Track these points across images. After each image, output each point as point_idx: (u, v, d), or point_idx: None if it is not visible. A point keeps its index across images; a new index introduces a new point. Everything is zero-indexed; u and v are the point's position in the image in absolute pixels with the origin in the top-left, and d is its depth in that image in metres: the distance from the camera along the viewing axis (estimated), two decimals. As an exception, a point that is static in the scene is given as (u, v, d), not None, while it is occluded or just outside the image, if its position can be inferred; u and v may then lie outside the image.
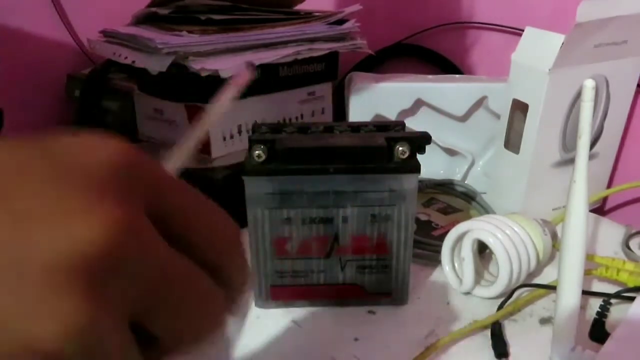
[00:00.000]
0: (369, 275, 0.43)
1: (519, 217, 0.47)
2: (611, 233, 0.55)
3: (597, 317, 0.43)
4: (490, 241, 0.43)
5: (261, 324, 0.43)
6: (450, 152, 0.65)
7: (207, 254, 0.18)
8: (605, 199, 0.66)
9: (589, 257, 0.47)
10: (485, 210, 0.58)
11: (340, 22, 0.64)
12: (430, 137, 0.40)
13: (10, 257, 0.14)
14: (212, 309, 0.19)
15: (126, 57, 0.59)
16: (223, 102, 0.30)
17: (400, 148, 0.39)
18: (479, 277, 0.46)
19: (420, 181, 0.60)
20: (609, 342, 0.38)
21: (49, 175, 0.15)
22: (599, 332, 0.41)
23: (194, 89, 0.58)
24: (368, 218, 0.41)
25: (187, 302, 0.18)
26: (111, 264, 0.15)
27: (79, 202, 0.15)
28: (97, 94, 0.64)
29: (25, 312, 0.14)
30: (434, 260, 0.49)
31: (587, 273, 0.46)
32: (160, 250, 0.17)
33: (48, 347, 0.14)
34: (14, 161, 0.15)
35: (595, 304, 0.44)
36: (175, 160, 0.27)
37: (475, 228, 0.44)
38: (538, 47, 0.50)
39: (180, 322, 0.18)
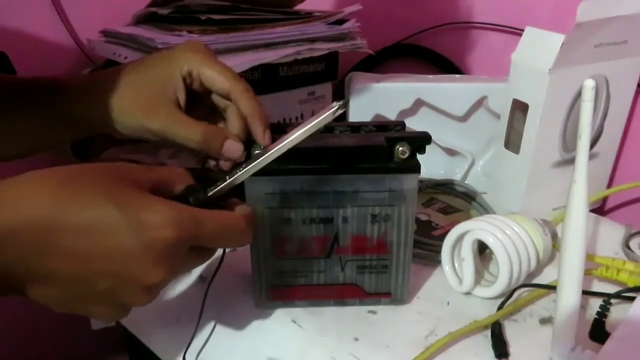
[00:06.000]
0: (369, 275, 0.43)
1: (519, 217, 0.47)
2: (611, 233, 0.55)
3: (597, 317, 0.43)
4: (490, 241, 0.43)
5: (261, 324, 0.43)
6: (450, 152, 0.65)
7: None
8: (605, 199, 0.66)
9: (589, 257, 0.47)
10: (485, 210, 0.58)
11: (340, 22, 0.64)
12: (430, 137, 0.40)
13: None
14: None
15: (126, 57, 0.59)
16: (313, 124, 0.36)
17: (400, 148, 0.39)
18: (479, 277, 0.46)
19: (420, 181, 0.60)
20: (609, 342, 0.38)
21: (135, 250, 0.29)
22: (599, 332, 0.41)
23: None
24: (368, 218, 0.41)
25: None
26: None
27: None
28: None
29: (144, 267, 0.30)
30: (434, 260, 0.49)
31: (587, 273, 0.46)
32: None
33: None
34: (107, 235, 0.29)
35: (595, 304, 0.44)
36: (253, 167, 0.36)
37: (475, 228, 0.44)
38: (538, 47, 0.50)
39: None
